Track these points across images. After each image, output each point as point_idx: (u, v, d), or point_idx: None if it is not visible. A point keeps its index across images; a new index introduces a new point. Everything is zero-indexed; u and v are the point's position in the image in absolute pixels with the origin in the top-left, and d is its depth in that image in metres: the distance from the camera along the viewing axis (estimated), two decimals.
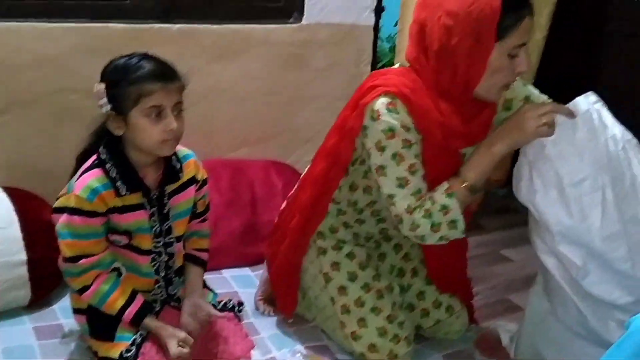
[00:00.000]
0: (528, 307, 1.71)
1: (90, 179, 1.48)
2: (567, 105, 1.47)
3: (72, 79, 2.03)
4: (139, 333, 1.54)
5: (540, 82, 2.24)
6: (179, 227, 1.64)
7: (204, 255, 1.74)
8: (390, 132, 1.49)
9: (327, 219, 1.74)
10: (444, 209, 1.50)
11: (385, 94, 1.49)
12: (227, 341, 1.62)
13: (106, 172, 1.49)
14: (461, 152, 1.60)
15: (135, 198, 1.53)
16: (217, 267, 2.06)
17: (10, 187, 1.90)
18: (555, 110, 1.46)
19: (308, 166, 1.78)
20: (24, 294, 1.77)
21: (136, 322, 1.54)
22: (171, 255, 1.64)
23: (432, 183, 1.54)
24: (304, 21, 2.38)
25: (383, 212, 1.71)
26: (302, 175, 1.81)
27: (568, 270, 1.48)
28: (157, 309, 1.62)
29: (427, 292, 1.82)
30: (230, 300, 1.74)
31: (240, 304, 1.77)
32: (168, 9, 2.18)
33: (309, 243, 1.76)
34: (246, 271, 2.12)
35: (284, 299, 1.83)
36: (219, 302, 1.72)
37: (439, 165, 1.55)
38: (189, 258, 1.71)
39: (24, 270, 1.75)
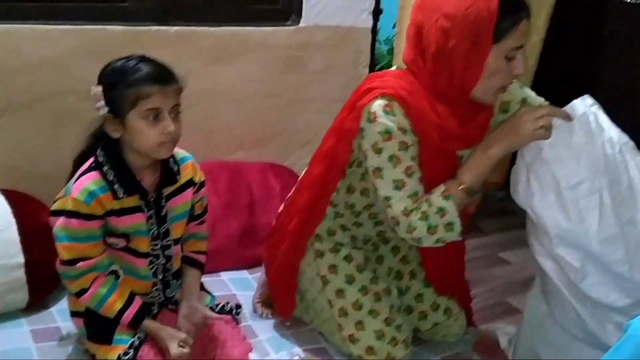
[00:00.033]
0: (526, 310, 1.71)
1: (88, 181, 1.48)
2: (564, 108, 1.47)
3: (71, 81, 2.03)
4: (136, 336, 1.54)
5: (538, 85, 2.25)
6: (176, 230, 1.64)
7: (202, 258, 1.73)
8: (387, 134, 1.49)
9: (324, 222, 1.74)
10: (441, 211, 1.50)
11: (382, 96, 1.49)
12: (225, 344, 1.61)
13: (103, 175, 1.49)
14: (458, 155, 1.60)
15: (132, 201, 1.53)
16: (215, 270, 2.06)
17: (8, 190, 1.90)
18: (552, 113, 1.46)
19: (306, 169, 1.78)
20: (22, 296, 1.77)
21: (135, 324, 1.54)
22: (169, 258, 1.64)
23: (429, 185, 1.55)
24: (302, 23, 2.38)
25: (380, 215, 1.71)
26: (299, 178, 1.81)
27: (566, 272, 1.48)
28: (155, 311, 1.62)
29: (425, 295, 1.82)
30: (228, 303, 1.74)
31: (238, 306, 1.77)
32: (166, 11, 2.18)
33: (307, 246, 1.75)
34: (244, 274, 2.12)
35: (281, 302, 1.83)
36: (217, 305, 1.72)
37: (435, 168, 1.55)
38: (187, 261, 1.71)
39: (21, 273, 1.75)
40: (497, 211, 2.71)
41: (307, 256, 1.76)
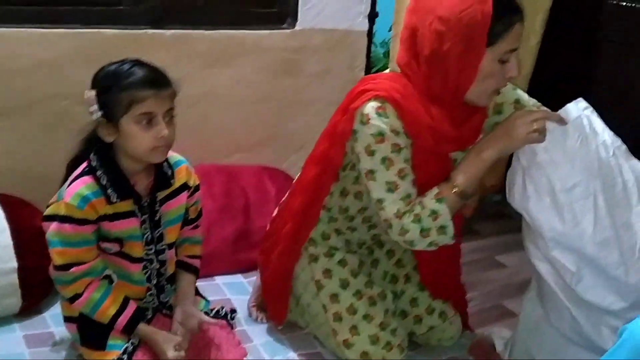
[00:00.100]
0: (522, 313, 1.71)
1: (81, 186, 1.48)
2: (558, 112, 1.47)
3: (66, 84, 2.02)
4: (130, 341, 1.53)
5: (534, 88, 2.24)
6: (170, 234, 1.63)
7: (196, 262, 1.73)
8: (380, 136, 1.48)
9: (318, 226, 1.73)
10: (434, 214, 1.50)
11: (375, 98, 1.49)
12: (220, 349, 1.61)
13: (97, 180, 1.48)
14: (451, 157, 1.60)
15: (126, 205, 1.52)
16: (210, 274, 2.05)
17: (1, 194, 1.89)
18: (546, 116, 1.46)
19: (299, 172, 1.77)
20: (15, 301, 1.76)
21: (129, 329, 1.53)
22: (163, 263, 1.63)
23: (422, 188, 1.54)
24: (298, 27, 2.38)
25: (374, 219, 1.71)
26: (293, 182, 1.81)
27: (561, 276, 1.48)
28: (149, 316, 1.61)
29: (420, 299, 1.81)
30: (222, 308, 1.72)
31: (233, 311, 1.76)
32: (161, 14, 2.18)
33: (301, 250, 1.75)
34: (239, 278, 2.11)
35: (275, 306, 1.83)
36: (212, 310, 1.71)
37: (429, 170, 1.55)
38: (181, 265, 1.70)
39: (14, 278, 1.74)
40: (493, 214, 2.70)
41: (302, 260, 1.76)
